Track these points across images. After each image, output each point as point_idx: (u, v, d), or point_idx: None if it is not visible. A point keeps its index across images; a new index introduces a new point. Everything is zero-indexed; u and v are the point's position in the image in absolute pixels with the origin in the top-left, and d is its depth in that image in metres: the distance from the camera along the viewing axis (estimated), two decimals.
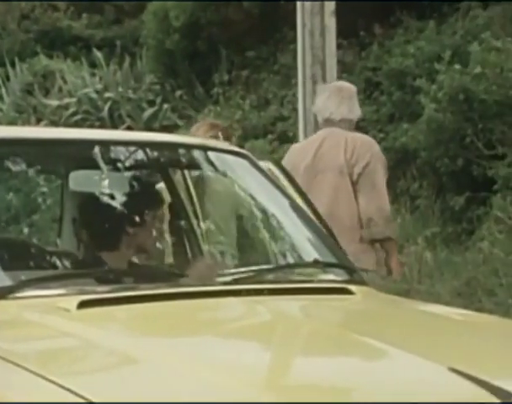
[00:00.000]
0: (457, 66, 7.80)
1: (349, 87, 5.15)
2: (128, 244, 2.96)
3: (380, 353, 2.17)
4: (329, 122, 4.88)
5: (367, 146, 4.80)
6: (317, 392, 1.94)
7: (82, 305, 2.39)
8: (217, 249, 3.27)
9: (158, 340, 2.26)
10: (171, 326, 2.39)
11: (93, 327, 2.31)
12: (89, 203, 3.04)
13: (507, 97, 7.58)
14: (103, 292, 2.53)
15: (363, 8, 9.87)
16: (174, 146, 3.21)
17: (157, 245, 3.10)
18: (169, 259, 3.28)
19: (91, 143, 2.98)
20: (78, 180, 3.21)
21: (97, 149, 2.93)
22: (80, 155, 3.07)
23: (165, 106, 11.65)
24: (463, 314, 2.94)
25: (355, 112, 4.99)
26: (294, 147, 5.17)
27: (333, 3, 6.66)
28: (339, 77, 8.59)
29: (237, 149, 3.27)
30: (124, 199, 3.01)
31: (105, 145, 3.01)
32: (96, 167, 2.94)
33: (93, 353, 2.18)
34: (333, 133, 4.85)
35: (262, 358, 2.17)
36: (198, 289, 2.63)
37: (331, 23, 6.65)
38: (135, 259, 2.98)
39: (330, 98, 4.95)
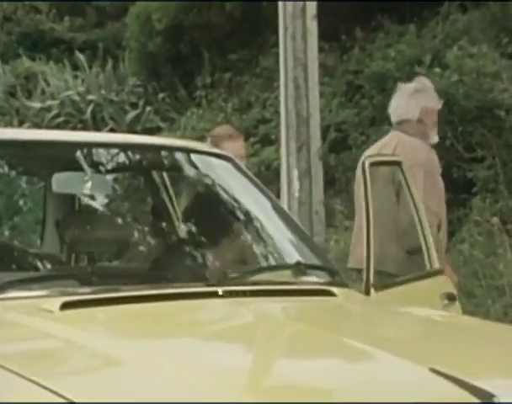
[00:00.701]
0: (437, 70, 7.86)
1: (406, 86, 4.92)
2: (112, 246, 2.97)
3: (361, 355, 2.18)
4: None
5: (412, 153, 4.67)
6: (298, 393, 1.94)
7: (65, 306, 2.39)
8: (200, 251, 3.27)
9: (141, 341, 2.26)
10: (153, 328, 2.39)
11: (76, 329, 2.31)
12: (72, 205, 3.04)
13: (486, 101, 7.64)
14: (86, 293, 2.53)
15: (344, 12, 9.90)
16: (157, 149, 3.21)
17: (140, 247, 3.11)
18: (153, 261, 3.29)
19: (74, 145, 2.98)
20: (61, 182, 3.21)
21: (80, 151, 2.93)
22: (63, 157, 3.07)
23: (148, 109, 11.64)
24: (444, 315, 2.96)
25: (411, 112, 4.75)
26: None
27: (315, 7, 6.69)
28: (321, 81, 8.63)
29: (219, 151, 3.28)
30: (107, 200, 3.01)
31: (88, 147, 3.01)
32: (79, 169, 2.94)
33: (75, 354, 2.18)
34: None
35: (244, 360, 2.18)
36: (181, 290, 2.63)
37: (312, 26, 6.68)
38: (119, 260, 2.99)
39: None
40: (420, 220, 3.58)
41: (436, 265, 3.54)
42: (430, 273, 3.56)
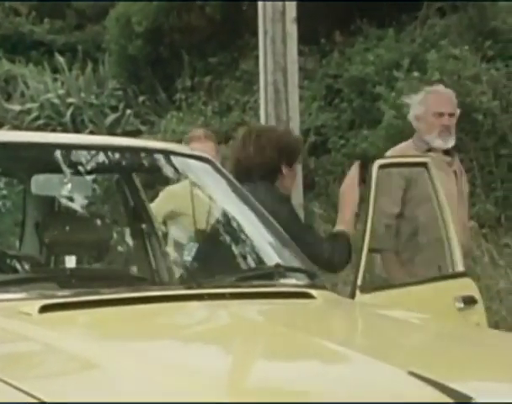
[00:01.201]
0: (416, 74, 7.91)
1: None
2: (91, 248, 2.97)
3: (339, 357, 2.18)
4: None
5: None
6: (276, 396, 1.94)
7: (44, 309, 2.39)
8: (180, 253, 3.28)
9: (119, 344, 2.26)
10: (132, 331, 2.39)
11: (55, 332, 2.30)
12: (51, 207, 3.04)
13: (464, 104, 7.68)
14: (64, 296, 2.52)
15: (324, 16, 9.94)
16: (137, 150, 3.21)
17: (119, 249, 3.10)
18: (132, 263, 3.29)
19: (53, 147, 2.97)
20: (40, 184, 3.20)
21: (59, 153, 2.93)
22: (42, 159, 3.07)
23: (128, 112, 11.62)
24: (421, 318, 2.97)
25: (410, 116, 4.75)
26: None
27: (295, 10, 6.70)
28: (301, 84, 8.65)
29: (199, 153, 3.28)
30: (86, 202, 3.01)
31: (67, 149, 3.00)
32: (58, 171, 2.93)
33: (53, 357, 2.17)
34: None
35: (222, 363, 2.18)
36: (159, 293, 2.63)
37: (292, 30, 6.68)
38: (97, 263, 2.98)
39: None
40: (444, 221, 3.59)
41: (460, 267, 3.54)
42: (444, 275, 3.56)
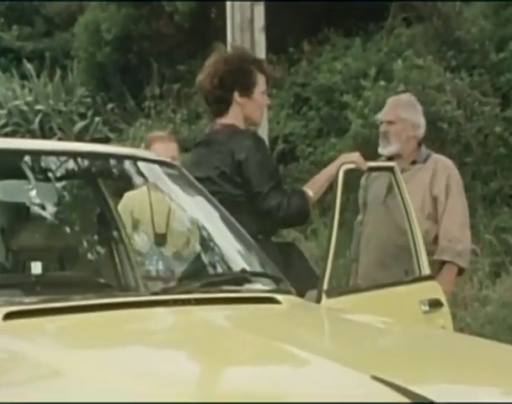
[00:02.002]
0: (382, 83, 7.98)
1: None
2: (57, 254, 2.96)
3: (304, 362, 2.19)
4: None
5: None
6: (241, 400, 1.95)
7: (9, 316, 2.37)
8: (147, 259, 3.28)
9: (86, 352, 2.25)
10: (99, 338, 2.38)
11: (20, 339, 2.29)
12: (17, 213, 3.03)
13: (429, 113, 7.75)
14: (30, 303, 2.51)
15: (292, 25, 9.99)
16: (103, 157, 3.21)
17: (86, 255, 3.10)
18: (98, 270, 3.28)
19: (19, 153, 2.96)
20: (6, 190, 3.20)
21: (25, 159, 2.92)
22: (7, 165, 3.05)
23: (96, 119, 11.60)
24: (386, 322, 2.99)
25: None
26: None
27: (263, 20, 6.73)
28: (269, 93, 8.68)
29: (167, 160, 3.29)
30: (52, 208, 3.00)
31: (34, 155, 2.99)
32: (24, 177, 2.93)
33: (19, 365, 2.16)
34: None
35: (188, 368, 2.18)
36: (126, 299, 2.63)
37: (260, 39, 6.72)
38: (63, 270, 2.98)
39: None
40: (410, 225, 3.62)
41: (425, 271, 3.56)
42: (409, 279, 3.59)
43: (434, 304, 3.51)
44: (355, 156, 3.72)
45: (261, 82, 3.82)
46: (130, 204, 4.41)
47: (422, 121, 4.72)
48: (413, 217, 3.65)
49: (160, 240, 4.20)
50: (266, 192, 3.57)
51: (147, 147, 4.73)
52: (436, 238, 4.55)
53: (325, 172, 3.77)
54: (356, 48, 9.35)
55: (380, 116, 4.79)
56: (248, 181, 3.58)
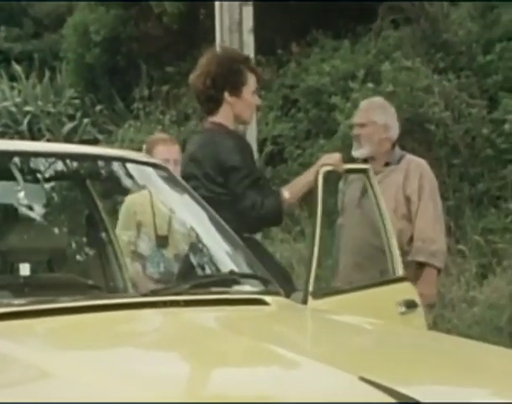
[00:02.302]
0: (370, 85, 8.00)
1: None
2: (45, 256, 2.96)
3: (292, 364, 2.20)
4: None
5: None
6: (230, 401, 1.96)
7: None
8: (136, 260, 3.28)
9: (75, 353, 2.26)
10: (88, 339, 2.38)
11: (9, 341, 2.29)
12: (6, 214, 3.03)
13: (417, 115, 7.79)
14: (19, 305, 2.51)
15: (280, 27, 10.01)
16: (92, 158, 3.21)
17: (74, 257, 3.10)
18: (86, 271, 3.29)
19: (8, 154, 2.96)
20: None
21: (13, 160, 2.92)
22: None
23: (85, 120, 11.59)
24: (373, 323, 3.01)
25: None
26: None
27: (251, 21, 6.75)
28: (258, 94, 8.68)
29: (155, 161, 3.29)
30: (41, 210, 3.00)
31: (23, 156, 2.99)
32: (13, 178, 2.93)
33: (8, 367, 2.16)
34: None
35: (177, 370, 2.19)
36: (115, 301, 2.64)
37: (249, 40, 6.73)
38: (51, 271, 2.98)
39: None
40: (385, 226, 3.64)
41: (400, 272, 3.59)
42: (387, 280, 3.61)
43: (410, 305, 3.55)
44: (335, 157, 3.75)
45: (251, 81, 3.88)
46: (132, 206, 4.40)
47: (394, 123, 4.75)
48: (386, 219, 3.68)
49: (162, 242, 4.19)
50: (242, 192, 3.62)
51: (149, 150, 4.73)
52: (411, 239, 4.59)
53: (305, 174, 3.82)
54: (345, 50, 9.37)
55: (353, 119, 4.85)
56: (228, 181, 3.63)
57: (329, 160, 3.69)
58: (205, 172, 3.68)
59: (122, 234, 4.10)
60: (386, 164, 4.69)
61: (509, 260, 6.76)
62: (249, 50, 6.99)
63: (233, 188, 3.64)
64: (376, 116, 4.69)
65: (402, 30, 9.11)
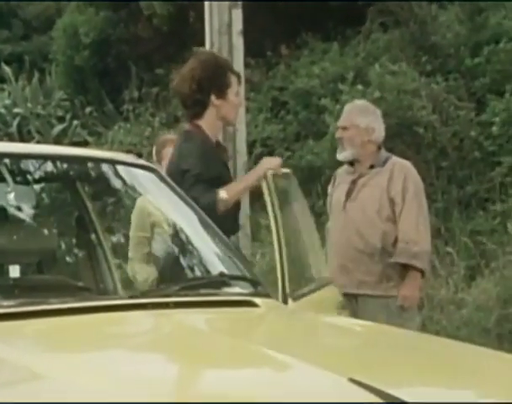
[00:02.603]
0: (360, 87, 8.02)
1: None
2: (35, 257, 2.96)
3: (282, 365, 2.20)
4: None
5: None
6: (218, 401, 1.96)
7: None
8: (125, 263, 3.28)
9: (64, 355, 2.26)
10: (77, 341, 2.38)
11: None
12: None
13: (405, 118, 7.81)
14: (8, 306, 2.51)
15: (270, 29, 10.03)
16: (82, 160, 3.20)
17: (64, 259, 3.10)
18: (76, 273, 3.29)
19: None
20: None
21: (3, 162, 2.92)
22: None
23: (75, 122, 11.58)
24: (363, 325, 3.02)
25: None
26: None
27: (241, 24, 6.76)
28: (247, 96, 8.70)
29: (145, 163, 3.30)
30: (31, 212, 3.00)
31: (12, 158, 2.98)
32: (2, 180, 2.93)
33: None
34: None
35: (168, 372, 2.19)
36: (104, 303, 2.65)
37: (239, 42, 6.75)
38: (41, 273, 2.98)
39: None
40: (310, 232, 3.69)
41: (325, 274, 3.67)
42: (325, 282, 3.66)
43: (340, 307, 3.62)
44: (275, 161, 3.84)
45: (234, 82, 3.98)
46: (145, 207, 4.43)
47: (378, 126, 4.76)
48: (311, 222, 3.75)
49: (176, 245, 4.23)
50: (186, 191, 3.71)
51: (159, 151, 4.75)
52: (396, 240, 4.61)
53: (245, 176, 3.96)
54: (334, 52, 9.39)
55: (337, 123, 4.89)
56: (181, 182, 3.71)
57: (269, 164, 3.76)
58: (170, 173, 3.77)
59: (136, 235, 4.13)
60: (371, 166, 4.71)
61: (496, 262, 6.78)
62: (239, 52, 7.01)
63: (182, 188, 3.72)
64: (358, 119, 4.70)
65: (391, 33, 9.13)
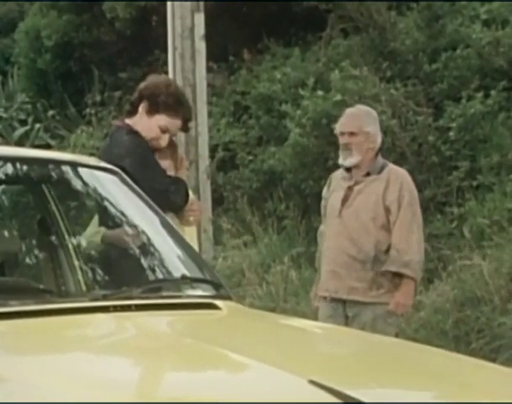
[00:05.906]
0: (320, 93, 8.07)
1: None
2: None
3: (242, 367, 2.22)
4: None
5: None
6: (179, 401, 1.98)
7: None
8: (88, 265, 3.26)
9: (27, 358, 2.25)
10: (37, 343, 2.38)
11: None
12: None
13: None
14: None
15: (232, 34, 10.05)
16: (45, 162, 3.20)
17: (26, 261, 3.09)
18: (38, 276, 3.27)
19: None
20: None
21: None
22: None
23: (37, 126, 11.51)
24: (324, 327, 3.05)
25: None
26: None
27: (203, 28, 6.80)
28: (209, 100, 8.72)
29: (107, 166, 3.29)
30: None
31: None
32: None
33: None
34: None
35: (129, 374, 2.19)
36: (65, 305, 2.64)
37: (201, 47, 6.78)
38: (3, 275, 2.96)
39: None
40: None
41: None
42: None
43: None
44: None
45: (171, 123, 4.10)
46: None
47: (379, 132, 4.83)
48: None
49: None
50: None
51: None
52: (389, 248, 4.65)
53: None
54: (295, 58, 9.43)
55: (341, 128, 4.85)
56: None
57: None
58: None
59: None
60: (367, 174, 4.72)
61: (453, 265, 6.86)
62: (201, 56, 7.04)
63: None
64: (367, 126, 4.72)
65: (352, 39, 9.19)
